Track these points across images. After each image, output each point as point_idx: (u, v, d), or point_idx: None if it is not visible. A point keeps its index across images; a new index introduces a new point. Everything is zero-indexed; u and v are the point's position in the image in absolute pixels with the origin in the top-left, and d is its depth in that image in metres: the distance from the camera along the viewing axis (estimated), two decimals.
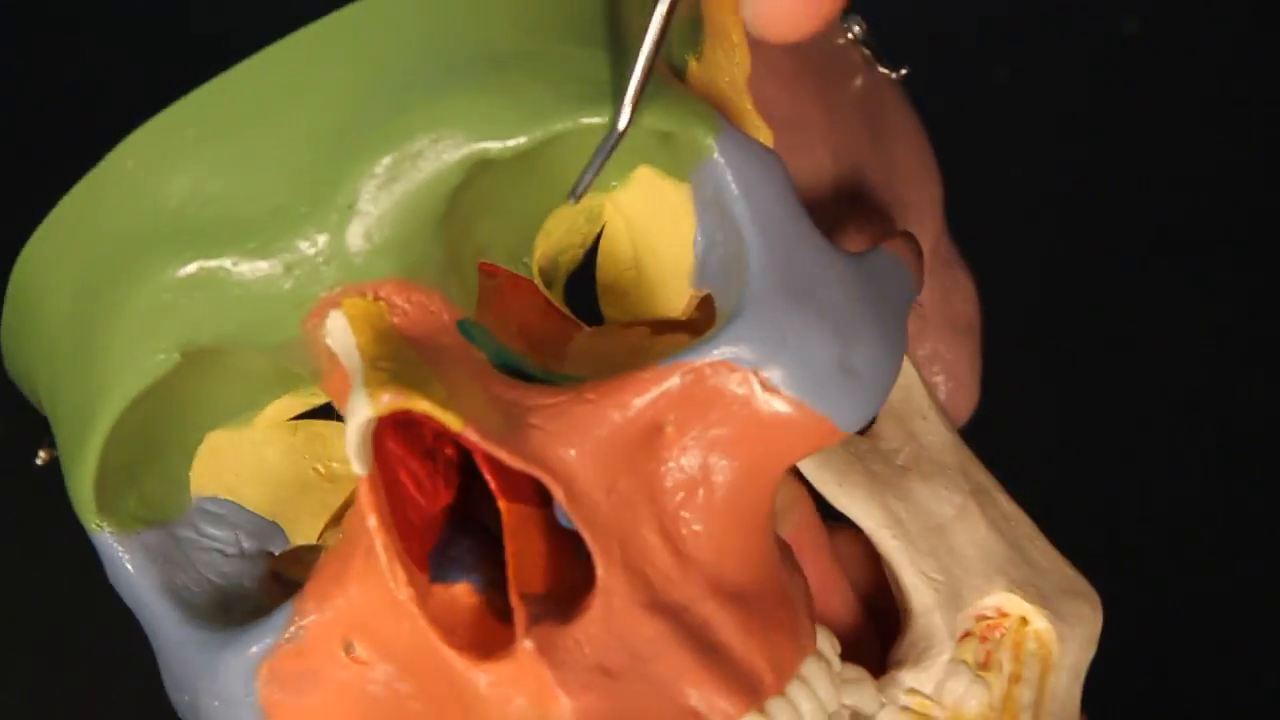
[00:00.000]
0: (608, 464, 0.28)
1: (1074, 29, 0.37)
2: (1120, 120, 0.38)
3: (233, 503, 0.34)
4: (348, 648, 0.30)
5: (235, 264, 0.28)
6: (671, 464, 0.28)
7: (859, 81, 0.36)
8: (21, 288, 0.32)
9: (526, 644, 0.27)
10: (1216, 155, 0.53)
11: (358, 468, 0.27)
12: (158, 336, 0.29)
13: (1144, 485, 0.53)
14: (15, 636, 0.46)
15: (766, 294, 0.28)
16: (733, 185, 0.29)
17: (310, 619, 0.30)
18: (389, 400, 0.26)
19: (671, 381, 0.28)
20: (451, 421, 0.27)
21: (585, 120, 0.28)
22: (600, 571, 0.27)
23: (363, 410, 0.27)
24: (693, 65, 0.32)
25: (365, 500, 0.28)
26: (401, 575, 0.28)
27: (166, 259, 0.28)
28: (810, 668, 0.29)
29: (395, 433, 0.29)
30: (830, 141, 0.34)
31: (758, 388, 0.28)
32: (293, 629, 0.30)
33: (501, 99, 0.27)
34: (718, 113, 0.29)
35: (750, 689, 0.28)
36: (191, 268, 0.28)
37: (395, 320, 0.29)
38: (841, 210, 0.35)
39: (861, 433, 0.34)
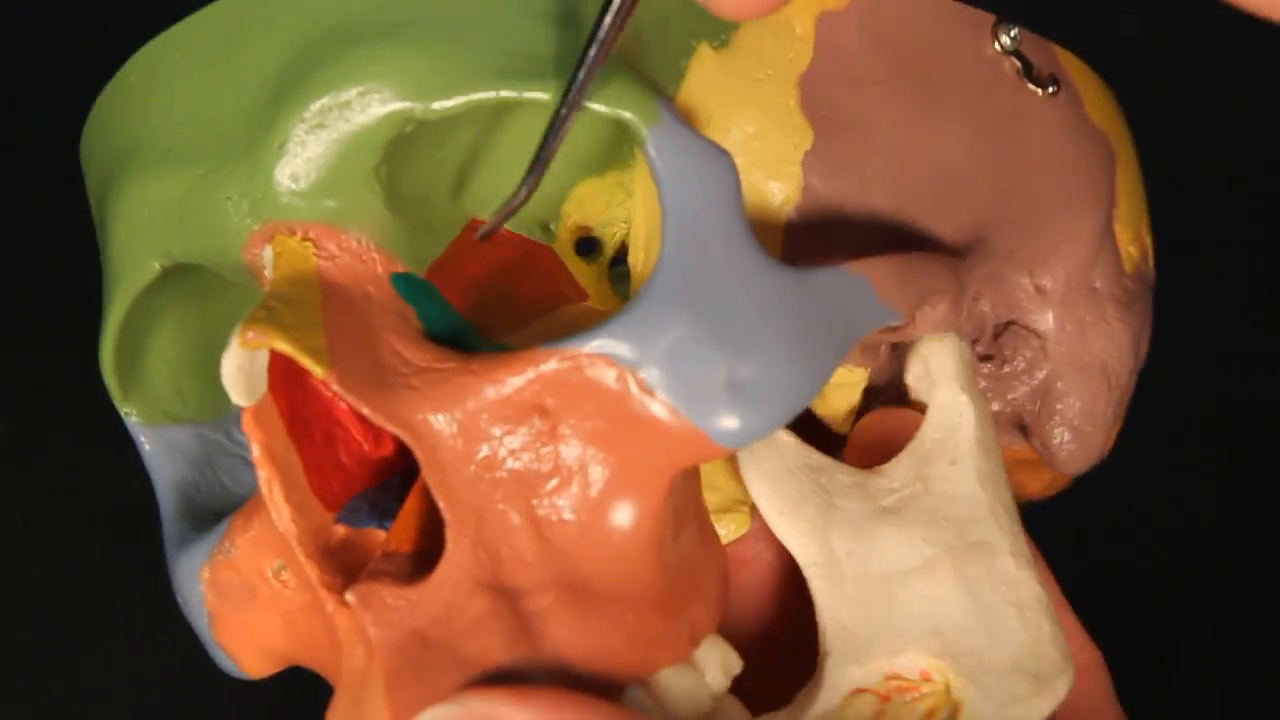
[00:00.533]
0: (477, 436, 0.28)
1: (1074, 29, 0.37)
2: None
3: None
4: (276, 570, 0.31)
5: (189, 188, 0.30)
6: (548, 449, 0.28)
7: (1001, 95, 0.34)
8: (84, 175, 0.35)
9: (349, 596, 0.27)
10: (1217, 155, 0.53)
11: (234, 397, 0.28)
12: (140, 248, 0.31)
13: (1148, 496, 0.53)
14: (15, 636, 0.46)
15: (659, 294, 0.27)
16: (660, 177, 0.28)
17: (239, 537, 0.32)
18: (251, 337, 0.27)
19: (547, 365, 0.27)
20: (315, 368, 0.27)
21: (504, 94, 0.28)
22: (449, 542, 0.27)
23: (233, 346, 0.27)
24: (705, 52, 0.31)
25: (249, 431, 0.28)
26: (284, 508, 0.29)
27: (141, 173, 0.30)
28: (662, 678, 0.29)
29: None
30: (900, 150, 0.32)
31: (634, 387, 0.27)
32: (225, 543, 0.32)
33: (429, 62, 0.28)
34: (663, 103, 0.29)
35: None
36: (158, 187, 0.30)
37: (321, 263, 0.29)
38: (879, 221, 0.33)
39: (868, 465, 0.33)
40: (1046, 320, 0.35)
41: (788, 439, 0.31)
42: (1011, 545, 0.31)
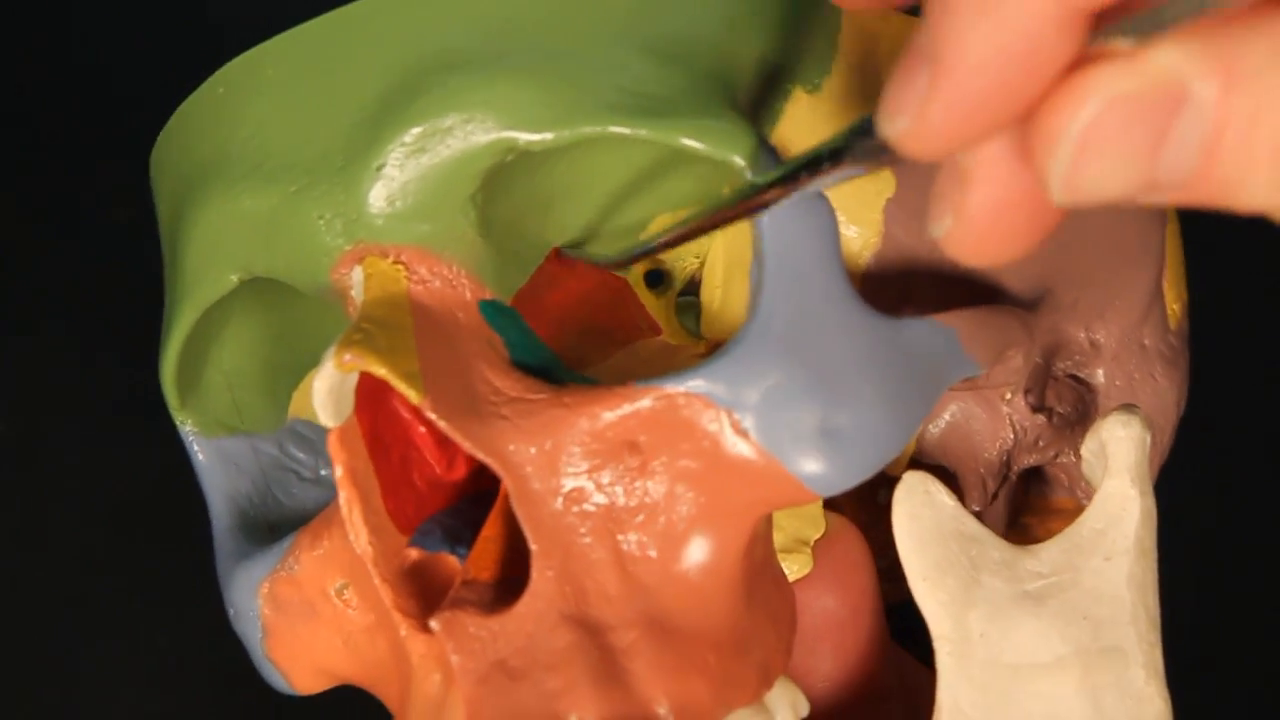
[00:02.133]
0: (566, 469, 0.28)
1: None
2: None
3: (324, 429, 0.36)
4: (339, 590, 0.31)
5: (279, 204, 0.29)
6: (637, 485, 0.28)
7: None
8: (153, 182, 0.34)
9: (433, 624, 0.27)
10: None
11: (323, 418, 0.28)
12: (219, 259, 0.31)
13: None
14: (15, 636, 0.46)
15: (759, 337, 0.27)
16: (762, 222, 0.28)
17: (305, 554, 0.31)
18: (349, 360, 0.27)
19: (642, 403, 0.28)
20: (409, 393, 0.27)
21: (614, 129, 0.28)
22: (534, 573, 0.27)
23: (327, 366, 0.27)
24: (800, 95, 0.32)
25: (334, 452, 0.28)
26: (362, 530, 0.28)
27: (227, 187, 0.30)
28: (737, 718, 0.29)
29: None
30: None
31: (728, 429, 0.27)
32: (289, 559, 0.32)
33: (538, 93, 0.28)
34: (765, 148, 0.29)
35: None
36: (245, 201, 0.30)
37: (413, 286, 0.29)
38: (955, 272, 0.34)
39: (1021, 541, 0.33)
40: (1098, 375, 0.35)
41: (949, 502, 0.31)
42: (1145, 657, 0.31)
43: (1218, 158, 0.20)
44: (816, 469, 0.27)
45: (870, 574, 0.34)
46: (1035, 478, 0.38)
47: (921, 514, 0.31)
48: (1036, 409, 0.35)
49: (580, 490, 0.28)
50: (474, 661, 0.27)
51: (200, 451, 0.35)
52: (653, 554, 0.28)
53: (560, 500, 0.28)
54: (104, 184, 0.50)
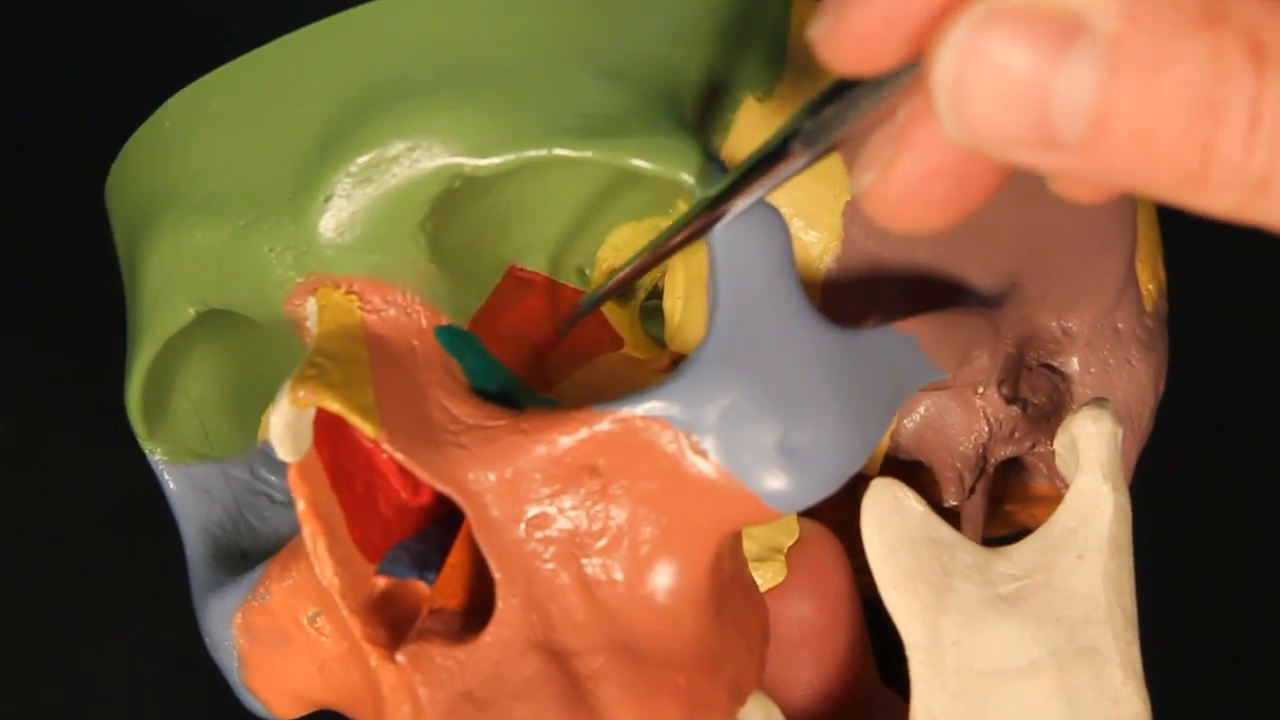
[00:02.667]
0: (526, 495, 0.28)
1: None
2: None
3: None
4: (311, 618, 0.31)
5: (230, 238, 0.29)
6: (599, 509, 0.28)
7: None
8: (109, 213, 0.34)
9: (399, 657, 0.27)
10: None
11: (281, 453, 0.28)
12: (175, 293, 0.31)
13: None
14: (15, 636, 0.46)
15: (714, 357, 0.27)
16: (714, 238, 0.27)
17: (275, 584, 0.31)
18: (303, 396, 0.27)
19: (600, 427, 0.27)
20: (365, 427, 0.27)
21: (560, 152, 0.28)
22: (499, 601, 0.27)
23: (282, 403, 0.27)
24: (750, 104, 0.32)
25: (294, 487, 0.28)
26: (328, 562, 0.28)
27: (178, 220, 0.30)
28: None
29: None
30: None
31: (688, 450, 0.27)
32: (260, 589, 0.32)
33: (483, 118, 0.28)
34: (715, 163, 0.29)
35: None
36: (196, 235, 0.30)
37: (367, 316, 0.29)
38: (919, 272, 0.34)
39: (1005, 527, 0.33)
40: (1072, 364, 0.35)
41: (918, 507, 0.31)
42: (1122, 656, 0.31)
43: (1112, 115, 0.18)
44: (778, 486, 0.27)
45: (847, 578, 0.34)
46: (1015, 465, 0.38)
47: (890, 521, 0.31)
48: (1010, 400, 0.35)
49: (542, 516, 0.28)
50: (442, 693, 0.27)
51: (171, 480, 0.35)
52: (618, 577, 0.28)
53: (522, 527, 0.28)
54: (104, 184, 0.50)
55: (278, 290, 0.29)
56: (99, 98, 0.52)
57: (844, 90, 0.21)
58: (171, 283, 0.31)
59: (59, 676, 0.45)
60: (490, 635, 0.27)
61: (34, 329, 0.49)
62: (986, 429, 0.35)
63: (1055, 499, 0.37)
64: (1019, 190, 0.33)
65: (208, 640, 0.33)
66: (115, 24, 0.53)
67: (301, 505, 0.28)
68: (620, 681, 0.27)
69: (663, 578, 0.28)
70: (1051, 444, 0.35)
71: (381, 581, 0.29)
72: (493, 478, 0.28)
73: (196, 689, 0.45)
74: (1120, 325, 0.35)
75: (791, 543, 0.33)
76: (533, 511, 0.28)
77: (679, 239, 0.27)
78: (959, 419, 0.35)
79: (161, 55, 0.51)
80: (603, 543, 0.28)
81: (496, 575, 0.27)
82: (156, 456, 0.35)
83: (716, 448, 0.27)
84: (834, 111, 0.21)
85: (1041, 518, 0.38)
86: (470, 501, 0.27)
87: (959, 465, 0.35)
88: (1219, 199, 0.19)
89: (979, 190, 0.21)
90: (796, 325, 0.27)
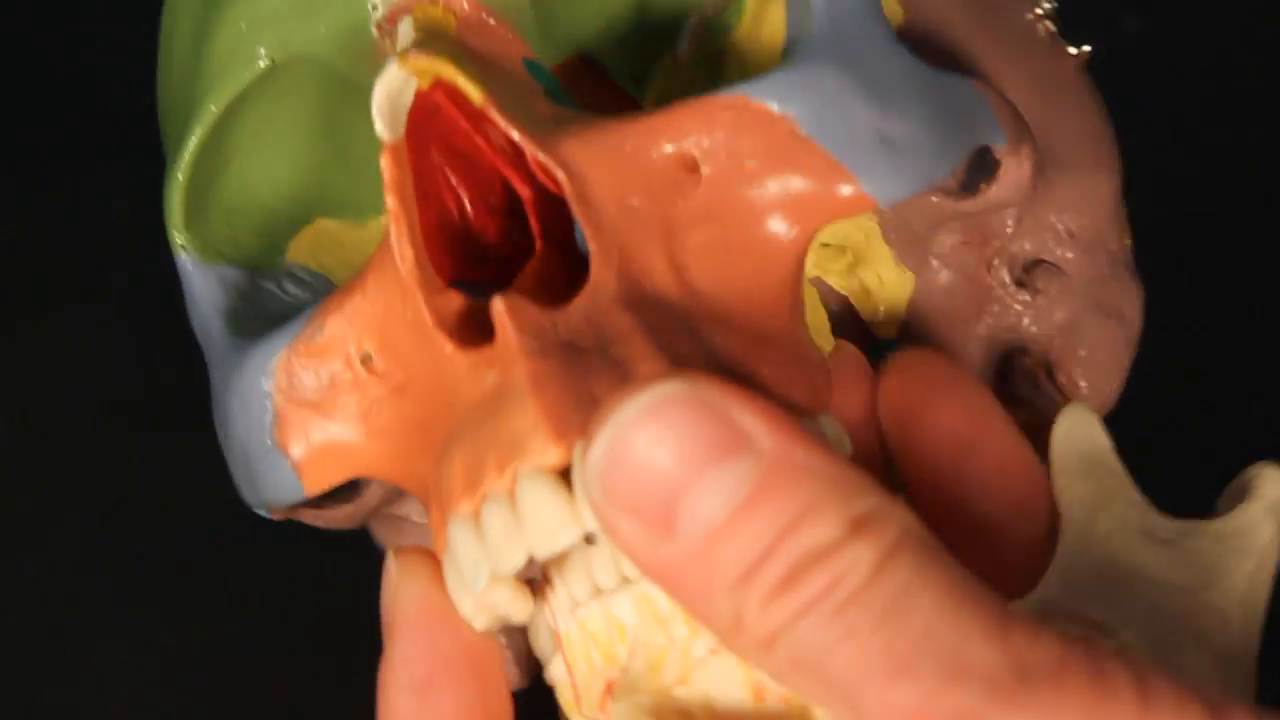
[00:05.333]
0: (626, 179, 0.28)
1: (1074, 27, 0.37)
2: (1120, 118, 0.38)
3: (324, 276, 0.35)
4: (365, 358, 0.30)
5: None
6: (695, 200, 0.28)
7: (1039, 54, 0.35)
8: (165, 17, 0.34)
9: (496, 301, 0.26)
10: (1218, 154, 0.53)
11: (383, 132, 0.28)
12: (253, 38, 0.30)
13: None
14: (15, 636, 0.46)
15: (815, 53, 0.28)
16: None
17: (331, 316, 0.30)
18: (414, 56, 0.27)
19: (703, 116, 0.28)
20: (474, 94, 0.27)
21: None
22: (594, 269, 0.27)
23: (391, 68, 0.28)
24: None
25: (386, 167, 0.28)
26: (408, 249, 0.28)
27: None
28: (820, 421, 0.29)
29: (453, 163, 0.30)
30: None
31: (789, 134, 0.28)
32: (311, 327, 0.30)
33: None
34: None
35: None
36: None
37: (462, 31, 0.30)
38: (971, 50, 0.35)
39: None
40: (1072, 263, 0.36)
41: (1106, 439, 0.31)
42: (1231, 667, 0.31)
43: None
44: (877, 172, 0.28)
45: (873, 388, 0.34)
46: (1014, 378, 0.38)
47: (1078, 434, 0.31)
48: (1020, 284, 0.35)
49: (639, 199, 0.28)
50: (537, 341, 0.26)
51: (195, 275, 0.33)
52: (708, 264, 0.28)
53: (620, 207, 0.28)
54: (104, 184, 0.50)
55: (373, 10, 0.30)
56: (106, 98, 0.52)
57: None
58: (250, 31, 0.31)
59: (59, 676, 0.45)
60: (583, 297, 0.27)
61: (34, 329, 0.49)
62: (995, 308, 0.36)
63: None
64: (1032, 96, 0.34)
65: (232, 413, 0.32)
66: (127, 22, 0.53)
67: (390, 181, 0.28)
68: (706, 362, 0.27)
69: (754, 268, 0.28)
70: (1047, 350, 0.36)
71: (453, 296, 0.29)
72: (594, 156, 0.28)
73: (197, 689, 0.45)
74: (1112, 247, 0.36)
75: (826, 350, 0.34)
76: (630, 193, 0.28)
77: None
78: (968, 297, 0.36)
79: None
80: (698, 226, 0.28)
81: (592, 247, 0.27)
82: (186, 255, 0.33)
83: (817, 132, 0.28)
84: None
85: None
86: (572, 176, 0.27)
87: (971, 347, 0.36)
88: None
89: None
90: (886, 43, 0.29)
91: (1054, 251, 0.36)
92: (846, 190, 0.28)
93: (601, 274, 0.27)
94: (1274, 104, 0.52)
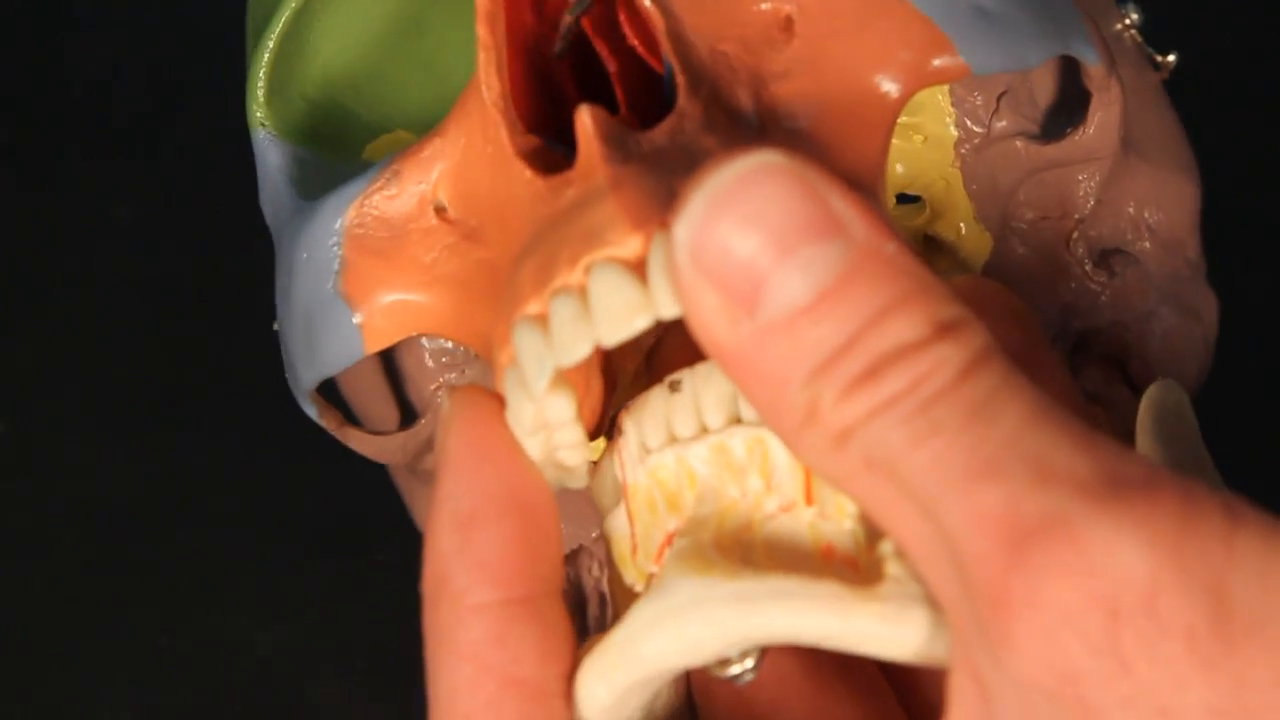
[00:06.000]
0: (719, 26, 0.28)
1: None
2: None
3: None
4: (439, 208, 0.30)
5: None
6: (787, 54, 0.28)
7: (1128, 64, 0.35)
8: None
9: (582, 109, 0.25)
10: (1218, 154, 0.53)
11: None
12: None
13: None
14: (15, 636, 0.46)
15: None
16: None
17: (408, 160, 0.30)
18: None
19: None
20: None
21: None
22: (681, 99, 0.26)
23: None
24: None
25: (481, 3, 0.27)
26: (495, 82, 0.27)
27: None
28: None
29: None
30: None
31: None
32: (388, 172, 0.30)
33: None
34: None
35: None
36: None
37: None
38: None
39: None
40: (1150, 255, 0.36)
41: (1192, 415, 0.31)
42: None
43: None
44: (969, 40, 0.28)
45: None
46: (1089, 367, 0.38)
47: (1168, 402, 0.31)
48: (1098, 264, 0.35)
49: (730, 48, 0.28)
50: (619, 151, 0.25)
51: (270, 148, 0.33)
52: (800, 109, 0.28)
53: (710, 52, 0.28)
54: (104, 184, 0.50)
55: None
56: (106, 98, 0.52)
57: None
58: None
59: (58, 676, 0.45)
60: (669, 122, 0.26)
61: (34, 328, 0.49)
62: (1072, 285, 0.35)
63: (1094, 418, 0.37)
64: (1125, 79, 0.34)
65: (298, 264, 0.31)
66: (128, 22, 0.53)
67: (483, 12, 0.27)
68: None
69: (841, 121, 0.28)
70: (1126, 336, 0.36)
71: (531, 140, 0.28)
72: (690, 2, 0.28)
73: (197, 689, 0.45)
74: (1191, 255, 0.36)
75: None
76: (723, 42, 0.28)
77: None
78: (1045, 275, 0.35)
79: (170, 56, 0.51)
80: (789, 78, 0.28)
81: (679, 79, 0.27)
82: (263, 128, 0.33)
83: None
84: None
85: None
86: (665, 13, 0.27)
87: (1045, 323, 0.35)
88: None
89: None
90: None
91: (1131, 242, 0.36)
92: (942, 55, 0.28)
93: (688, 103, 0.26)
94: (1275, 102, 0.52)
